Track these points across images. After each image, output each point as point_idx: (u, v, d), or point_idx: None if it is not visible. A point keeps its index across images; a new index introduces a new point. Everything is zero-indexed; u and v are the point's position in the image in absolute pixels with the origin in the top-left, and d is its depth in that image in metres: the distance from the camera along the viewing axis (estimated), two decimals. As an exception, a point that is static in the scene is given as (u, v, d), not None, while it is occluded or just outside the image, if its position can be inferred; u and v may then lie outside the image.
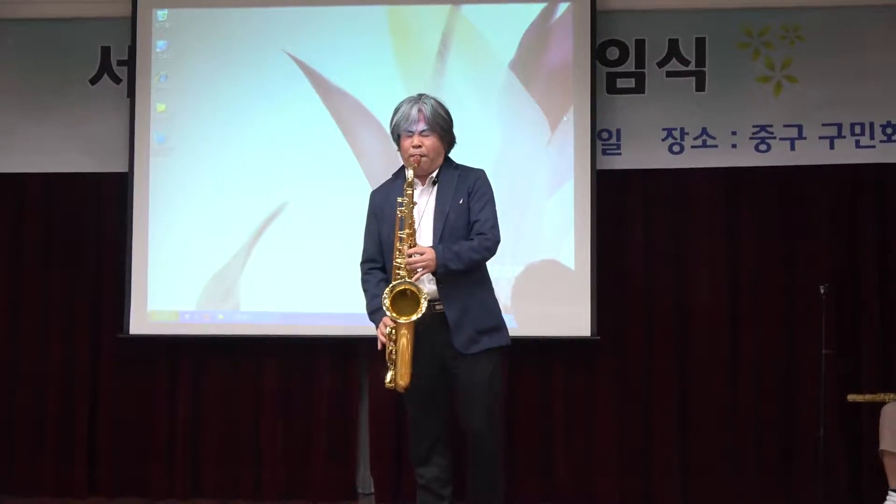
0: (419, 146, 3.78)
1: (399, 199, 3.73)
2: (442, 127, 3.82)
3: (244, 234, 5.37)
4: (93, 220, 5.55)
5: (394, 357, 3.72)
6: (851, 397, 4.83)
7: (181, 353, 5.47)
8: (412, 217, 3.72)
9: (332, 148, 5.35)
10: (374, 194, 4.02)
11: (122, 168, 5.46)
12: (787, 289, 5.30)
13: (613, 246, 5.32)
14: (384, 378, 3.78)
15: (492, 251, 3.83)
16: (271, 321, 5.34)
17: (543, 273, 5.17)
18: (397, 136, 3.86)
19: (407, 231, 3.70)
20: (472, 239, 3.80)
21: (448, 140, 3.87)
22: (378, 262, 3.92)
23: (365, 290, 3.93)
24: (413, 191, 3.73)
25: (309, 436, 5.43)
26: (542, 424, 5.32)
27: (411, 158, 3.78)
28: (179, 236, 5.40)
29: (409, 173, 3.73)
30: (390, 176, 4.01)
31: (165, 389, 5.48)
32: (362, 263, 3.98)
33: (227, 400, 5.46)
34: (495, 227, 3.84)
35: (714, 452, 5.28)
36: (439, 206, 3.82)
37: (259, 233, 5.37)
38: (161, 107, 5.44)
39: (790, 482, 5.22)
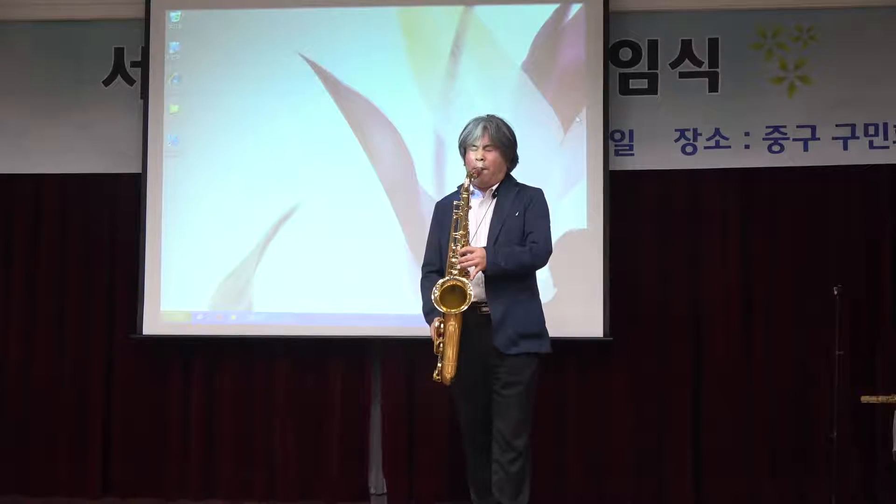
0: (482, 159, 4.01)
1: (455, 202, 3.96)
2: (505, 144, 4.08)
3: (257, 234, 5.38)
4: (106, 220, 5.57)
5: (441, 349, 3.91)
6: (865, 399, 4.81)
7: (194, 353, 5.49)
8: (467, 219, 3.95)
9: (345, 149, 5.36)
10: (437, 205, 4.27)
11: (135, 169, 5.48)
12: (801, 290, 5.29)
13: (626, 246, 5.32)
14: (433, 372, 3.96)
15: (542, 259, 4.06)
16: (284, 322, 5.35)
17: (556, 273, 5.17)
18: (463, 150, 4.11)
19: (461, 232, 3.93)
20: (524, 245, 4.01)
21: (510, 157, 4.13)
22: (435, 266, 4.13)
23: (422, 292, 4.15)
24: (469, 195, 3.97)
25: (322, 436, 5.43)
26: (555, 424, 5.31)
27: (473, 170, 4.01)
28: (192, 237, 5.41)
29: (467, 180, 3.98)
30: (455, 188, 4.17)
31: (179, 390, 5.49)
32: (422, 268, 4.23)
33: (240, 400, 5.47)
34: (548, 240, 4.08)
35: (727, 453, 5.27)
36: (496, 215, 4.05)
37: (272, 233, 5.38)
38: (174, 108, 5.46)
39: (804, 483, 5.21)
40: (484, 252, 3.91)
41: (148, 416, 5.49)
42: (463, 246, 3.91)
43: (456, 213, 3.95)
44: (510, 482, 3.95)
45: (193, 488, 5.44)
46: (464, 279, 3.87)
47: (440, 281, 3.90)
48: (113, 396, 5.53)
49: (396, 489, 5.40)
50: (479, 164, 4.01)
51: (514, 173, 4.21)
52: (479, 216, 4.05)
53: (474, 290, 3.90)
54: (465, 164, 4.11)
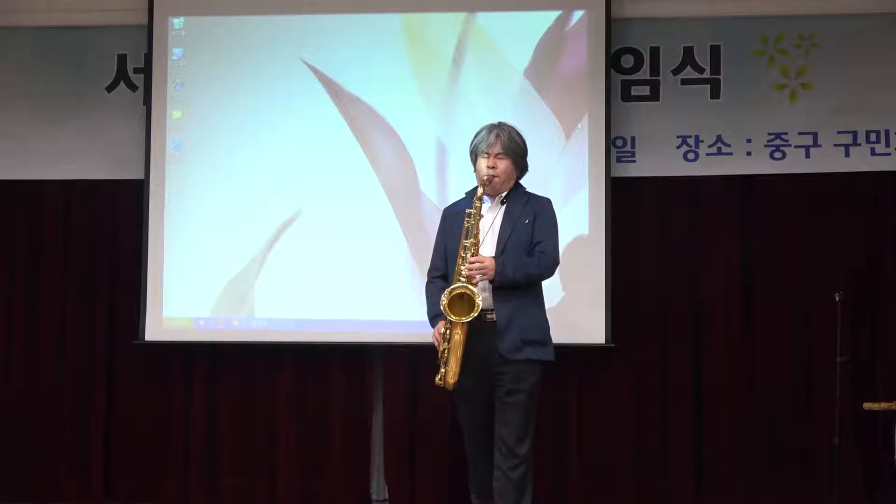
0: (493, 167, 4.00)
1: (468, 210, 3.95)
2: (516, 153, 4.05)
3: (259, 240, 5.39)
4: (109, 226, 5.57)
5: (445, 355, 3.89)
6: (867, 405, 4.82)
7: (196, 359, 5.49)
8: (478, 228, 3.94)
9: (347, 155, 5.37)
10: (445, 212, 4.26)
11: (138, 175, 5.49)
12: (803, 297, 5.29)
13: (628, 253, 5.32)
14: (435, 377, 3.92)
15: (550, 270, 4.06)
16: (286, 328, 5.35)
17: (558, 280, 5.17)
18: (474, 157, 4.09)
19: (472, 240, 3.91)
20: (532, 255, 4.00)
21: (520, 166, 4.10)
22: (441, 272, 4.12)
23: (427, 297, 4.14)
24: (482, 204, 3.96)
25: (323, 442, 5.44)
26: (557, 426, 5.31)
27: (485, 177, 3.99)
28: (195, 243, 5.42)
29: (480, 189, 3.97)
30: (463, 195, 4.18)
31: (181, 396, 5.50)
32: (428, 273, 4.21)
33: (242, 406, 5.47)
34: (556, 251, 4.07)
35: (728, 458, 5.27)
36: (505, 222, 4.03)
37: (274, 239, 5.38)
38: (177, 114, 5.47)
39: (805, 489, 5.20)
40: (493, 262, 3.90)
41: (150, 423, 5.49)
42: (472, 255, 3.90)
43: (467, 221, 3.93)
44: (512, 488, 3.94)
45: (195, 494, 5.44)
46: (473, 288, 3.85)
47: (449, 287, 3.89)
48: (115, 402, 5.53)
49: (398, 495, 5.40)
50: (490, 172, 3.99)
51: (515, 179, 4.20)
52: (488, 222, 4.03)
53: (480, 296, 3.88)
54: (475, 171, 4.08)
